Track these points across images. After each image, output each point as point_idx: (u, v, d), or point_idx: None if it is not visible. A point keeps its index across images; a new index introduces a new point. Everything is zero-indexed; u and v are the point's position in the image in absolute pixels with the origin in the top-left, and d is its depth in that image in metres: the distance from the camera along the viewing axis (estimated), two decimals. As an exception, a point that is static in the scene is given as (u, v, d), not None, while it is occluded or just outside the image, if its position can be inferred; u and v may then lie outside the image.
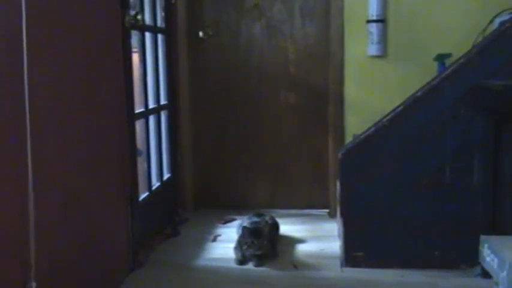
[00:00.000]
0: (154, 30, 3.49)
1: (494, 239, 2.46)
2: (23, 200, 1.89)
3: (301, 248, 3.29)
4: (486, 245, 2.44)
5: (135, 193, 3.01)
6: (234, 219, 3.72)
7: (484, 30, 3.51)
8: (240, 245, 3.05)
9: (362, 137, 2.91)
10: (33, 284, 1.90)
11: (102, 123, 2.60)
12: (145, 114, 3.29)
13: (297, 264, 3.02)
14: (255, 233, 3.01)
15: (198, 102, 4.04)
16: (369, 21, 3.71)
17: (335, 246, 3.21)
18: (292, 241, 3.40)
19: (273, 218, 3.36)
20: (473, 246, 2.61)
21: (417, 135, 2.85)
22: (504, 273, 2.17)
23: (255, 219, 3.23)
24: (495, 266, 2.29)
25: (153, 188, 3.40)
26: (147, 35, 3.39)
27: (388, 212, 2.89)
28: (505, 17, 3.33)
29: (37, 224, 1.93)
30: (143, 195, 3.20)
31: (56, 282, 2.11)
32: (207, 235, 3.51)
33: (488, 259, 2.40)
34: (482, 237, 2.51)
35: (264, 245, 2.99)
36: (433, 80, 2.86)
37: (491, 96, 2.63)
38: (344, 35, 3.79)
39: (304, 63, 3.96)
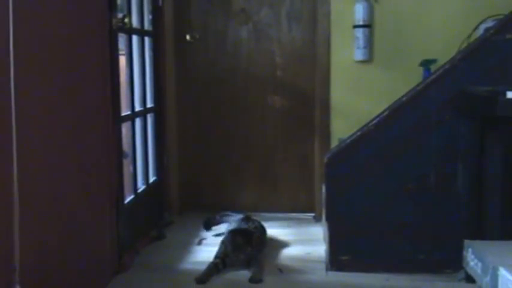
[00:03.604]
0: (141, 33, 3.48)
1: (478, 243, 2.47)
2: (7, 202, 1.87)
3: (287, 252, 3.29)
4: (470, 250, 2.46)
5: (121, 196, 2.99)
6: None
7: (469, 36, 3.54)
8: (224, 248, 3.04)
9: (348, 141, 2.92)
10: (18, 287, 1.89)
11: (88, 126, 2.60)
12: (131, 117, 3.28)
13: (282, 268, 3.03)
14: (245, 236, 3.03)
15: (185, 105, 4.03)
16: (355, 27, 3.73)
17: (320, 250, 3.22)
18: (278, 245, 3.40)
19: (260, 224, 3.37)
20: (458, 251, 2.63)
21: (402, 140, 2.87)
22: (488, 278, 2.19)
23: (243, 225, 3.23)
24: (479, 270, 2.31)
25: (139, 190, 3.39)
26: (134, 37, 3.38)
27: (373, 216, 2.90)
28: (489, 23, 3.36)
29: (21, 227, 1.91)
30: (129, 198, 3.19)
31: (41, 286, 2.10)
32: (192, 238, 3.51)
33: (472, 264, 2.42)
34: (466, 242, 2.53)
35: (248, 251, 2.99)
36: (418, 85, 2.89)
37: (476, 102, 2.65)
38: (330, 39, 3.81)
39: (290, 67, 3.97)
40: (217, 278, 2.89)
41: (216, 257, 2.99)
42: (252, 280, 2.84)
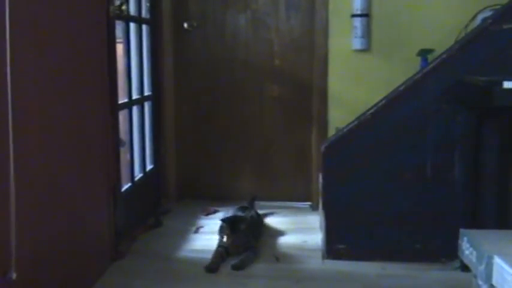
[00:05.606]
0: (139, 20, 3.48)
1: (474, 232, 2.48)
2: (4, 189, 1.88)
3: (283, 240, 3.30)
4: (465, 239, 2.47)
5: (118, 184, 3.00)
6: (216, 211, 3.72)
7: (467, 26, 3.54)
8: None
9: (345, 130, 2.93)
10: (13, 274, 1.89)
11: (86, 113, 2.59)
12: (128, 105, 3.28)
13: (278, 256, 3.04)
14: (234, 224, 3.03)
15: (182, 94, 4.03)
16: (353, 16, 3.72)
17: (317, 238, 3.23)
18: (275, 233, 3.41)
19: (257, 213, 3.37)
20: (454, 240, 2.63)
21: (399, 129, 2.87)
22: (482, 267, 2.20)
23: (239, 213, 3.24)
24: (474, 259, 2.32)
25: (136, 178, 3.40)
26: (132, 25, 3.37)
27: (369, 205, 2.91)
28: (487, 13, 3.35)
29: (18, 214, 1.92)
30: (126, 186, 3.20)
31: (37, 272, 2.10)
32: (189, 226, 3.52)
33: (467, 252, 2.43)
34: (462, 231, 2.53)
35: (240, 239, 3.00)
36: (415, 75, 2.89)
37: (473, 92, 2.65)
38: (328, 28, 3.80)
39: (288, 56, 3.96)
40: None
41: (219, 245, 3.01)
42: (234, 267, 2.84)
